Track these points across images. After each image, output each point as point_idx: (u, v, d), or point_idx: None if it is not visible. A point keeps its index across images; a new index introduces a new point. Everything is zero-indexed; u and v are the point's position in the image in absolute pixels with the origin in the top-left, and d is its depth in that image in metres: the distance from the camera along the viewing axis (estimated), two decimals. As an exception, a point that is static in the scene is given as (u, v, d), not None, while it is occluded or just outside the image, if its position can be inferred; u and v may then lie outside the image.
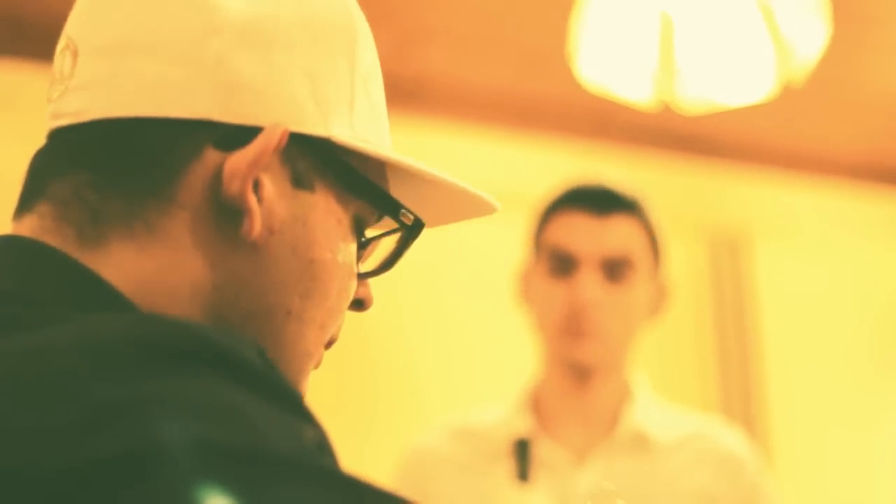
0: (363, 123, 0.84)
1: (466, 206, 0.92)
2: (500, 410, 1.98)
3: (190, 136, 0.77)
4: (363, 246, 0.87)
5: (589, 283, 1.86)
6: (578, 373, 1.91)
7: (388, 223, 0.89)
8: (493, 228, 3.38)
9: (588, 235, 1.88)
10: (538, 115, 3.69)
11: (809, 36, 2.24)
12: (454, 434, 1.98)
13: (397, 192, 0.87)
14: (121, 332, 0.66)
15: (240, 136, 0.78)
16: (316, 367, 0.86)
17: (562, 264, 1.89)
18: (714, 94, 2.31)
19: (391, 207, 0.86)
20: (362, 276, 0.88)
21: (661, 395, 2.04)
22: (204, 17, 0.79)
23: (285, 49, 0.80)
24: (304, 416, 0.68)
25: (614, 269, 1.88)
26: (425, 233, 0.92)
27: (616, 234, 1.88)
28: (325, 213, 0.81)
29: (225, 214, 0.78)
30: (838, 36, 2.68)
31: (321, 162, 0.81)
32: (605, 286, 1.87)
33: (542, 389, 1.96)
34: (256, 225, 0.77)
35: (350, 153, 0.83)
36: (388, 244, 0.89)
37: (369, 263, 0.89)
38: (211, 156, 0.78)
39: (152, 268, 0.77)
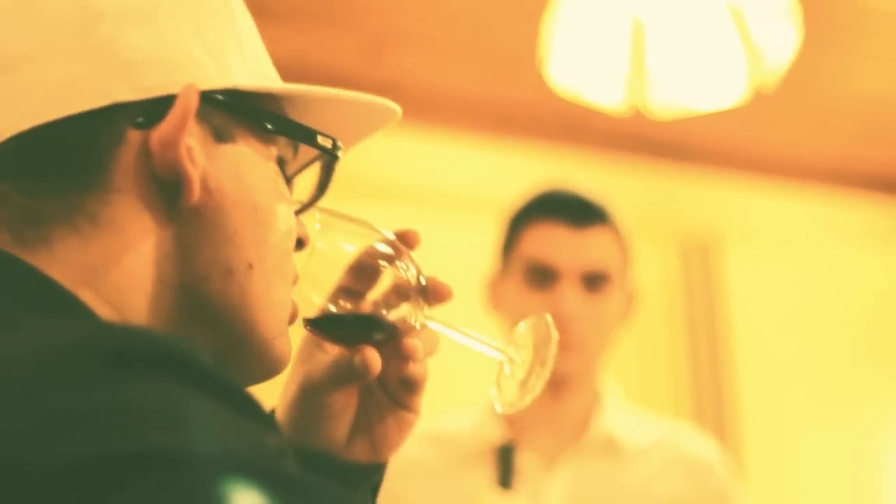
0: (256, 65, 0.85)
1: (371, 120, 0.92)
2: (471, 417, 1.98)
3: (108, 124, 0.78)
4: (287, 184, 0.88)
5: (570, 296, 1.86)
6: (554, 383, 1.91)
7: (302, 158, 0.90)
8: (465, 232, 3.38)
9: (568, 248, 1.87)
10: (510, 120, 3.69)
11: (781, 41, 2.24)
12: (426, 440, 1.97)
13: (303, 120, 0.88)
14: (76, 339, 0.65)
15: (155, 109, 0.78)
16: (292, 320, 0.87)
17: (540, 276, 1.88)
18: (685, 99, 2.31)
19: (308, 135, 0.87)
20: (298, 212, 0.89)
21: (632, 400, 2.04)
22: (81, 8, 0.79)
23: (167, 16, 0.81)
24: (264, 421, 0.67)
25: (593, 281, 1.88)
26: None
27: (595, 246, 1.88)
28: (252, 159, 0.82)
29: (162, 188, 0.78)
30: (810, 41, 2.69)
31: (234, 112, 0.82)
32: (584, 298, 1.87)
33: None
34: (196, 189, 0.78)
35: (255, 96, 0.84)
36: (312, 178, 0.90)
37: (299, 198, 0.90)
38: (133, 136, 0.78)
39: (102, 256, 0.77)
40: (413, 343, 0.93)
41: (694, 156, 3.99)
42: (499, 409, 0.96)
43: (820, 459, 4.02)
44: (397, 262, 0.93)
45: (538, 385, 0.95)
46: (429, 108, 3.55)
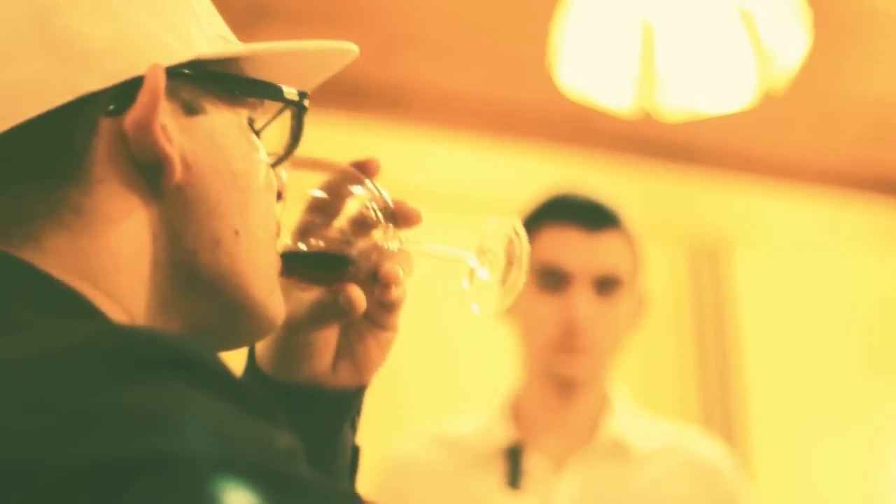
0: (212, 28, 0.86)
1: (329, 61, 0.93)
2: (480, 419, 1.98)
3: (79, 116, 0.78)
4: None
5: (583, 300, 1.86)
6: (565, 386, 1.91)
7: (269, 110, 0.90)
8: (473, 235, 3.37)
9: (581, 252, 1.88)
10: (519, 122, 3.69)
11: (790, 44, 2.24)
12: (434, 442, 1.97)
13: (265, 75, 0.88)
14: (82, 342, 0.66)
15: (123, 95, 0.79)
16: (279, 273, 0.88)
17: (552, 280, 1.88)
18: (695, 102, 2.31)
19: (274, 92, 0.87)
20: (274, 165, 0.89)
21: (640, 404, 2.04)
22: (35, 5, 0.79)
23: (122, 1, 0.81)
24: (274, 421, 0.68)
25: (604, 285, 1.88)
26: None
27: (607, 250, 1.89)
28: (224, 126, 0.83)
29: (143, 171, 0.79)
30: (819, 43, 2.69)
31: (200, 82, 0.83)
32: (596, 302, 1.87)
33: (523, 399, 1.96)
34: (177, 167, 0.79)
35: (217, 61, 0.84)
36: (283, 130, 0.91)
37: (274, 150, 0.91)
38: (106, 125, 0.78)
39: (93, 247, 0.78)
40: (392, 269, 0.94)
41: (703, 159, 3.99)
42: (478, 311, 0.96)
43: (828, 462, 4.02)
44: (362, 193, 0.93)
45: (519, 283, 0.95)
46: (438, 110, 3.55)
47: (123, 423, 0.60)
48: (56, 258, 0.77)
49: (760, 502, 2.04)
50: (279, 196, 0.89)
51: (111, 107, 0.78)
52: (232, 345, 0.86)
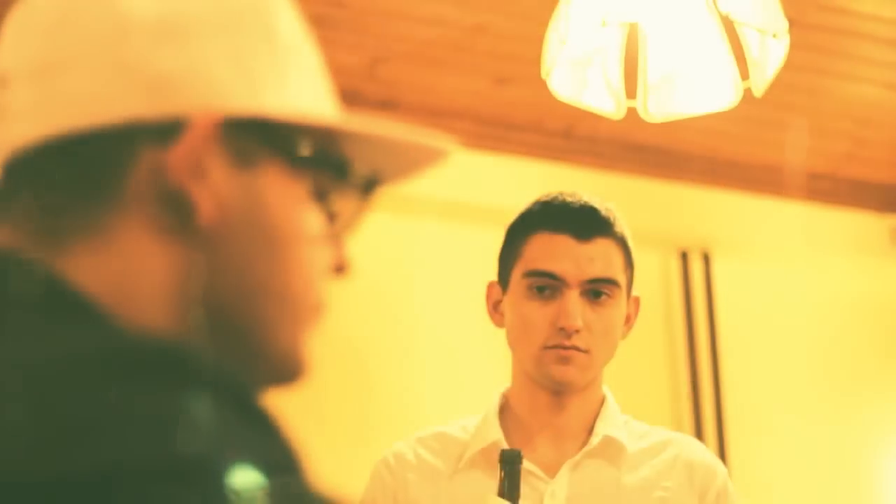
0: (300, 92, 0.83)
1: (421, 155, 0.90)
2: (474, 422, 1.99)
3: (126, 139, 0.78)
4: (334, 210, 0.86)
5: (577, 306, 1.88)
6: (558, 392, 1.93)
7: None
8: (469, 240, 3.39)
9: (574, 260, 1.90)
10: (507, 128, 3.70)
11: (772, 47, 2.26)
12: (428, 444, 1.99)
13: (351, 149, 0.84)
14: (88, 349, 0.68)
15: (173, 129, 0.78)
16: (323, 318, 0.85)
17: (545, 286, 1.90)
18: (678, 106, 2.33)
19: (338, 169, 0.84)
20: (330, 239, 0.86)
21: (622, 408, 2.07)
22: (115, 22, 0.79)
23: (200, 37, 0.80)
24: (269, 429, 0.69)
25: (598, 291, 1.91)
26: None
27: (601, 257, 1.91)
28: (274, 184, 0.81)
29: (175, 207, 0.78)
30: (803, 48, 2.71)
31: (259, 136, 0.80)
32: (591, 308, 1.90)
33: (516, 404, 1.98)
34: (206, 212, 0.78)
35: (290, 124, 0.82)
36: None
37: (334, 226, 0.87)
38: (149, 154, 0.78)
39: (117, 271, 0.77)
40: None
41: (685, 164, 4.00)
42: None
43: (808, 464, 4.06)
44: None
45: None
46: (428, 115, 3.56)
47: (122, 431, 0.62)
48: (82, 276, 0.76)
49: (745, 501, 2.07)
50: (340, 269, 0.86)
51: (158, 138, 0.78)
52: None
